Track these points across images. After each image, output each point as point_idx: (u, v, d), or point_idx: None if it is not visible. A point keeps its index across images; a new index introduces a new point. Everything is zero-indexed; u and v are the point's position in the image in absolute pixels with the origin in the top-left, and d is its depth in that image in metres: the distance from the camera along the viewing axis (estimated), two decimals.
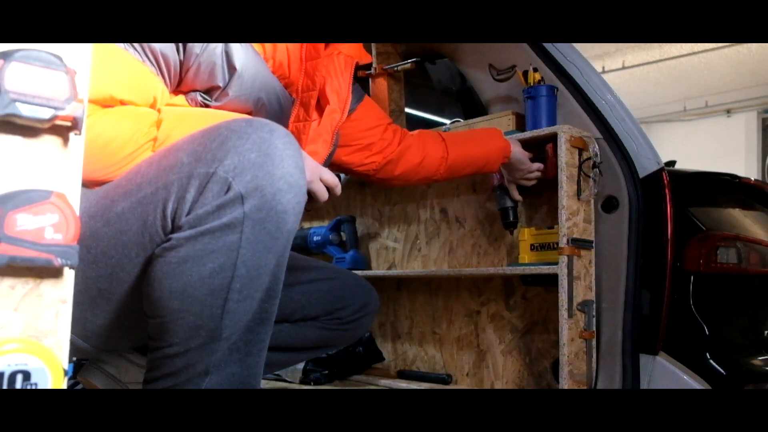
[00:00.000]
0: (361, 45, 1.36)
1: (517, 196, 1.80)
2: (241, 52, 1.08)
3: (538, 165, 1.72)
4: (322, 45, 1.25)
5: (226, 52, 1.07)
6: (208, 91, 1.08)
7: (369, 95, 2.13)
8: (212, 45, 1.05)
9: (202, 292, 0.92)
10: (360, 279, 1.52)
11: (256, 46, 1.13)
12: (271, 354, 1.08)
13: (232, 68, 1.07)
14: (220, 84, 1.07)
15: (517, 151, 1.69)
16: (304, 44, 1.22)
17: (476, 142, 1.64)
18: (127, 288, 0.98)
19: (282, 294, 1.03)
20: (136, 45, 1.01)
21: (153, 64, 1.03)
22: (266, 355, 1.01)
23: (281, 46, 1.18)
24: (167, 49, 1.03)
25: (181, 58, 1.05)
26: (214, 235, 0.91)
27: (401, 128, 1.57)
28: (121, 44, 1.01)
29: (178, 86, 1.08)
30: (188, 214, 0.91)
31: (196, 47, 1.05)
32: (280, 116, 1.19)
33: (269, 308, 0.99)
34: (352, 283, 1.47)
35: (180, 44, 1.04)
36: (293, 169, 0.93)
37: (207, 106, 1.08)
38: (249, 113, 1.11)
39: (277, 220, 0.93)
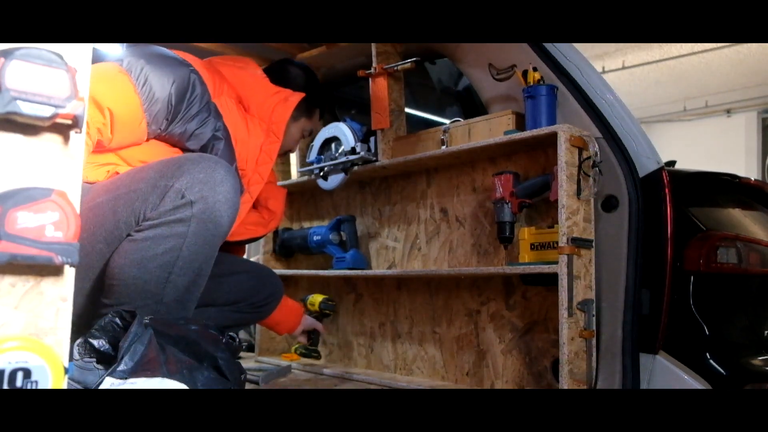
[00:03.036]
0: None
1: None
2: (222, 141, 1.55)
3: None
4: (275, 153, 1.75)
5: (214, 134, 1.53)
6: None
7: (369, 96, 2.14)
8: (208, 128, 1.52)
9: (154, 264, 1.34)
10: (270, 272, 2.03)
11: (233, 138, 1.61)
12: None
13: (216, 149, 1.55)
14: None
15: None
16: (261, 151, 1.70)
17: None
18: (94, 263, 1.36)
19: (214, 283, 1.50)
20: (140, 79, 1.40)
21: (146, 100, 1.41)
22: None
23: (250, 148, 1.66)
24: (160, 102, 1.43)
25: (168, 116, 1.45)
26: (170, 226, 1.33)
27: None
28: (132, 75, 1.41)
29: (168, 138, 1.51)
30: (151, 211, 1.33)
31: (194, 124, 1.49)
32: None
33: (199, 283, 1.42)
34: (264, 276, 1.95)
35: (172, 107, 1.45)
36: (229, 189, 1.37)
37: None
38: None
39: (215, 221, 1.36)
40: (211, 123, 1.54)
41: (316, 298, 2.32)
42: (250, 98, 1.70)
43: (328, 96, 2.01)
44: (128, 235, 1.36)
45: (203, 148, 1.54)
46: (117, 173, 1.47)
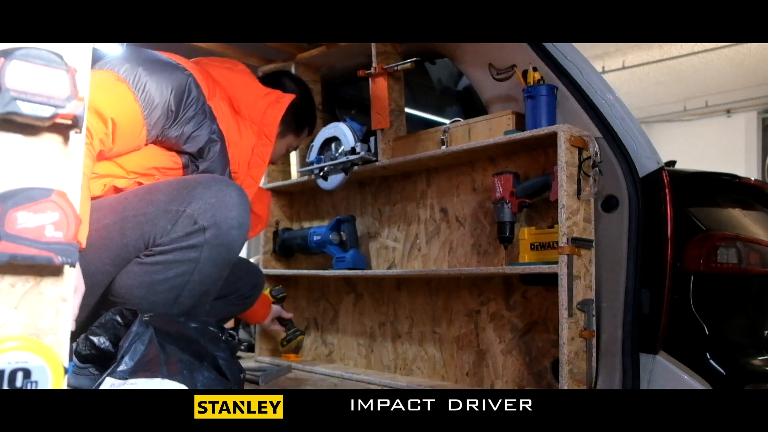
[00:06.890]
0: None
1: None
2: (218, 143, 1.54)
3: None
4: (268, 156, 1.74)
5: (210, 137, 1.52)
6: (194, 157, 1.52)
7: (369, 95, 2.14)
8: (204, 131, 1.50)
9: (163, 287, 1.34)
10: (251, 263, 2.16)
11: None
12: None
13: (212, 152, 1.53)
14: (202, 157, 1.52)
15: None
16: (253, 153, 1.69)
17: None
18: (100, 281, 1.34)
19: None
20: (139, 86, 1.38)
21: (145, 107, 1.39)
22: None
23: (242, 151, 1.65)
24: (159, 109, 1.41)
25: (167, 122, 1.44)
26: (182, 251, 1.32)
27: None
28: (131, 83, 1.38)
29: (164, 142, 1.48)
30: (162, 237, 1.31)
31: (190, 127, 1.47)
32: None
33: (205, 301, 1.43)
34: (248, 269, 2.03)
35: (172, 113, 1.44)
36: (242, 213, 1.36)
37: (194, 164, 1.53)
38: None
39: (227, 246, 1.36)
40: (207, 126, 1.52)
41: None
42: (241, 100, 1.67)
43: (314, 118, 2.04)
44: (137, 256, 1.34)
45: (200, 151, 1.53)
46: (114, 186, 1.44)
